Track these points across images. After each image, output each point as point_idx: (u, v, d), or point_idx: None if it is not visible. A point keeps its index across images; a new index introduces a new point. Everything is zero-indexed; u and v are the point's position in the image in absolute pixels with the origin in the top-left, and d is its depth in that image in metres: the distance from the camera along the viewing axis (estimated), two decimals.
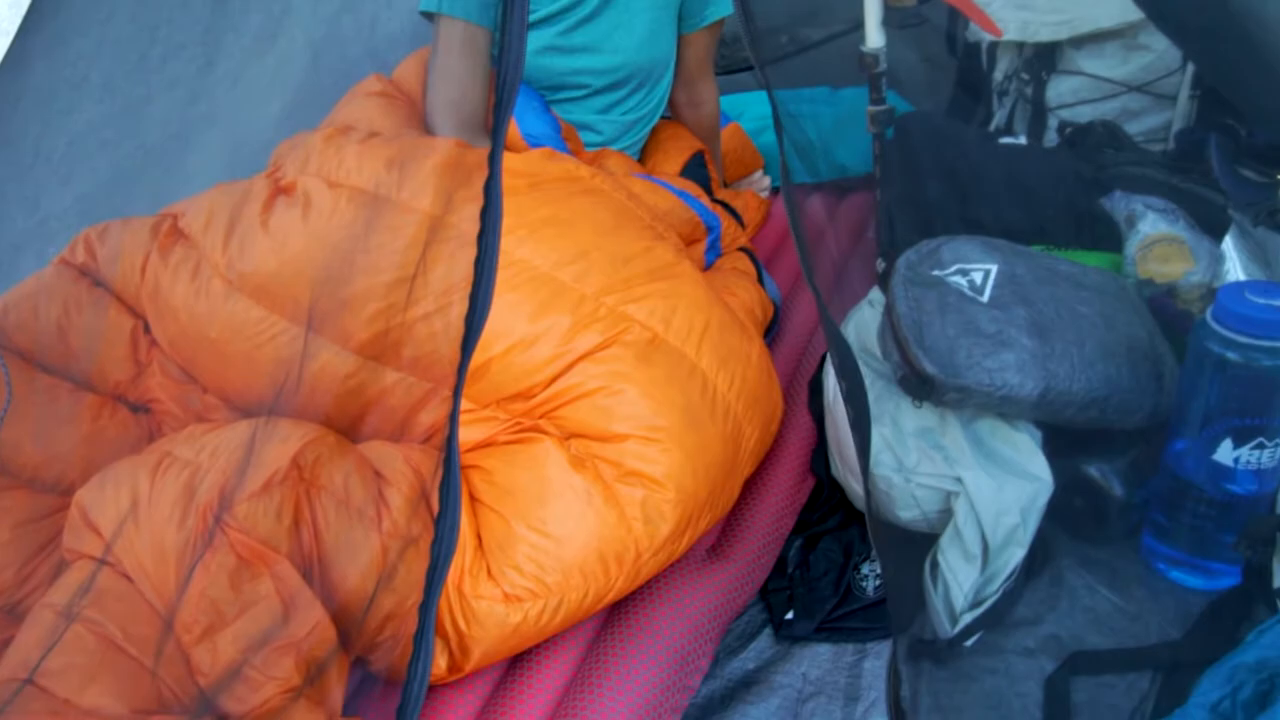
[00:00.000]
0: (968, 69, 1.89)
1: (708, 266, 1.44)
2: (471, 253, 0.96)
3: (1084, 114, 1.80)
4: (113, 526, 0.90)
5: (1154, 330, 1.15)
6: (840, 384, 0.94)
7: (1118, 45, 1.78)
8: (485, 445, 1.03)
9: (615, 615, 1.02)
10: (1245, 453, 0.96)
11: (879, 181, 1.28)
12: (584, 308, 1.02)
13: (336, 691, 0.83)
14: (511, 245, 1.02)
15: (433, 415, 1.04)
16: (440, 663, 0.93)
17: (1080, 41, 1.78)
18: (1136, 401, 1.09)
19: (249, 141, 1.47)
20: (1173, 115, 1.81)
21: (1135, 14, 1.74)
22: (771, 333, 1.42)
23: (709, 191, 1.61)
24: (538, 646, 0.97)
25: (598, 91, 1.54)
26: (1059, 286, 1.13)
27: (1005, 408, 1.07)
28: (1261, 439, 0.95)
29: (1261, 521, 0.95)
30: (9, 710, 0.74)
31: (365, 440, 1.03)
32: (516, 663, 0.98)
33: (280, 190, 1.14)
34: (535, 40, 1.50)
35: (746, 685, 1.06)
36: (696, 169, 1.61)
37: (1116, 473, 1.11)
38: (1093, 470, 1.12)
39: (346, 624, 0.87)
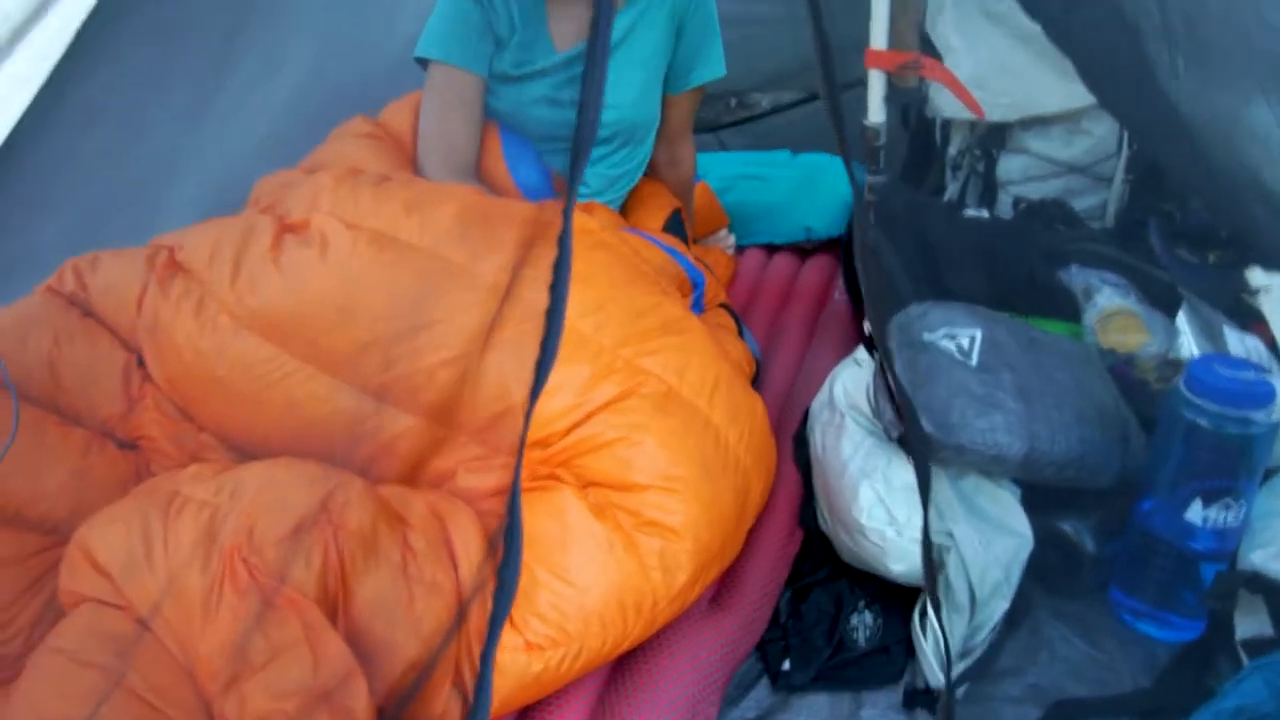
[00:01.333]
0: (922, 142, 2.00)
1: None
2: (493, 303, 0.98)
3: (1031, 190, 1.93)
4: (121, 568, 0.86)
5: (1118, 396, 1.24)
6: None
7: (1062, 129, 1.92)
8: (499, 492, 1.03)
9: (626, 663, 1.03)
10: (1213, 512, 1.05)
11: (870, 247, 1.34)
12: (602, 359, 1.04)
13: None
14: (533, 294, 1.04)
15: (446, 461, 1.04)
16: (454, 711, 0.92)
17: (1029, 123, 1.91)
18: (1106, 462, 1.17)
19: (229, 176, 1.45)
20: (1109, 196, 1.96)
21: (1079, 101, 1.89)
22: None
23: (687, 246, 1.66)
24: (551, 694, 0.97)
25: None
26: (1037, 353, 1.21)
27: (993, 466, 1.14)
28: (1228, 499, 1.04)
29: (1227, 578, 1.03)
30: None
31: (375, 482, 1.03)
32: (528, 711, 0.98)
33: (287, 228, 1.13)
34: (531, 92, 1.53)
35: None
36: (676, 226, 1.66)
37: (1088, 529, 1.18)
38: (1066, 527, 1.19)
39: (369, 668, 0.85)
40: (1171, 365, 1.29)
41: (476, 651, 0.91)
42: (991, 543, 1.12)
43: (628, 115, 1.56)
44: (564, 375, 1.02)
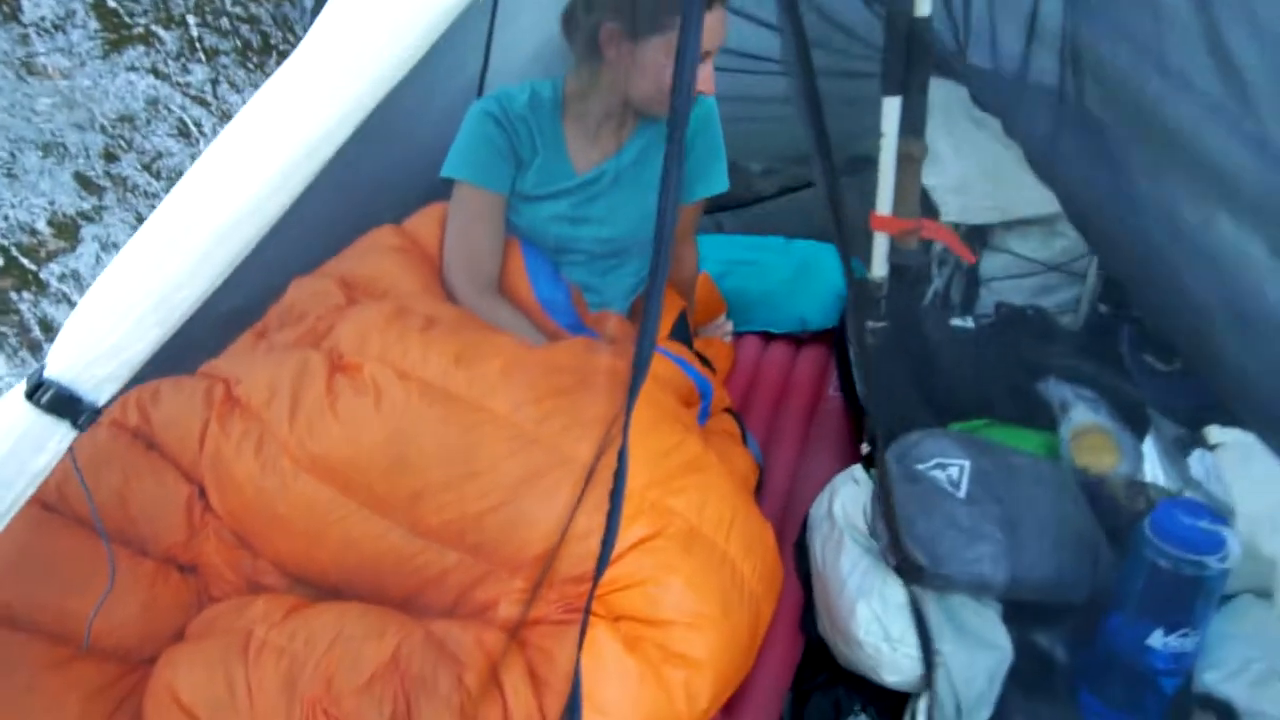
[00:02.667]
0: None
1: (700, 427, 1.60)
2: (536, 452, 1.09)
3: (1010, 286, 2.07)
4: (207, 710, 0.96)
5: (1090, 518, 1.37)
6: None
7: (1041, 230, 2.06)
8: (534, 623, 1.13)
9: None
10: (1172, 640, 1.17)
11: (866, 376, 1.46)
12: (632, 502, 1.15)
13: None
14: (569, 444, 1.15)
15: (488, 593, 1.14)
16: None
17: (1010, 225, 2.05)
18: (1079, 582, 1.29)
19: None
20: (1082, 291, 2.11)
21: (1055, 206, 2.03)
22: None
23: (691, 347, 1.77)
24: None
25: (599, 257, 1.69)
26: (1021, 483, 1.33)
27: (979, 593, 1.26)
28: (1186, 629, 1.17)
29: (1183, 699, 1.16)
30: None
31: (420, 610, 1.13)
32: None
33: (340, 368, 1.23)
34: (549, 210, 1.64)
35: None
36: (681, 328, 1.77)
37: (1060, 640, 1.31)
38: (1041, 639, 1.31)
39: None
40: (1139, 486, 1.42)
41: None
42: (975, 657, 1.25)
43: (631, 232, 1.67)
44: (599, 520, 1.13)
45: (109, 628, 1.09)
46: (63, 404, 0.65)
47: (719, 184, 1.75)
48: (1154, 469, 1.41)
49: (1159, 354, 1.88)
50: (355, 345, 1.25)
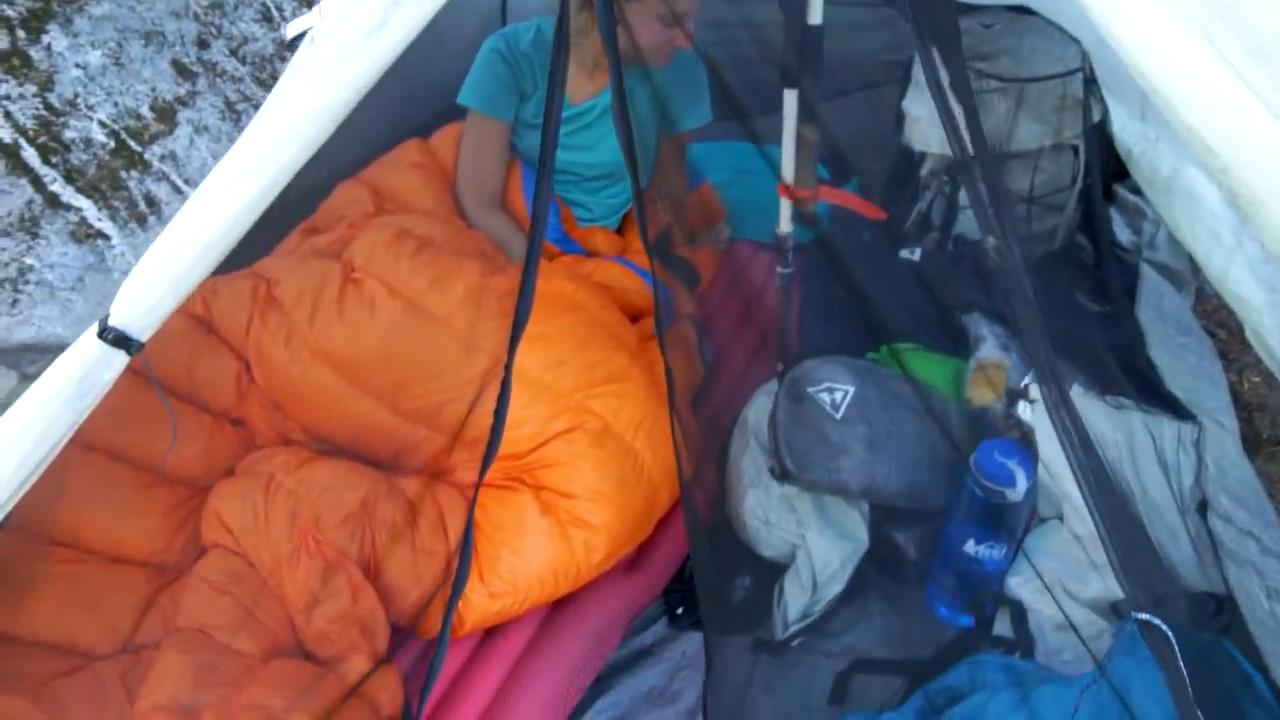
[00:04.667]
0: (904, 164, 2.30)
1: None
2: (481, 358, 1.43)
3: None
4: (239, 529, 1.38)
5: (959, 441, 1.63)
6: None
7: (1022, 164, 2.19)
8: (484, 486, 1.51)
9: (560, 604, 1.53)
10: (982, 549, 1.47)
11: (783, 302, 1.72)
12: (559, 401, 1.48)
13: (381, 645, 1.34)
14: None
15: (450, 459, 1.52)
16: (435, 627, 1.44)
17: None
18: (933, 496, 1.58)
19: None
20: (1059, 221, 2.26)
21: (1037, 142, 2.15)
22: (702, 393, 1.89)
23: (670, 254, 2.04)
24: (506, 622, 1.49)
25: (588, 179, 1.95)
26: (895, 410, 1.60)
27: (838, 494, 1.57)
28: (991, 542, 1.46)
29: (979, 593, 1.47)
30: (191, 649, 1.24)
31: (399, 470, 1.52)
32: (491, 631, 1.49)
33: (349, 280, 1.58)
34: None
35: (644, 655, 1.59)
36: (662, 240, 2.04)
37: (912, 540, 1.61)
38: (898, 536, 1.62)
39: (388, 604, 1.37)
40: (1014, 419, 1.66)
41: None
42: (833, 544, 1.57)
43: (619, 158, 1.91)
44: (530, 412, 1.47)
45: (179, 463, 1.51)
46: (120, 341, 1.01)
47: (703, 117, 1.97)
48: (1023, 408, 1.65)
49: (1093, 296, 2.07)
50: (363, 260, 1.59)
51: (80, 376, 1.03)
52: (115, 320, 1.01)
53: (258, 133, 1.01)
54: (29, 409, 1.03)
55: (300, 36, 1.10)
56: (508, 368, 1.26)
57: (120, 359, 1.03)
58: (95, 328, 1.02)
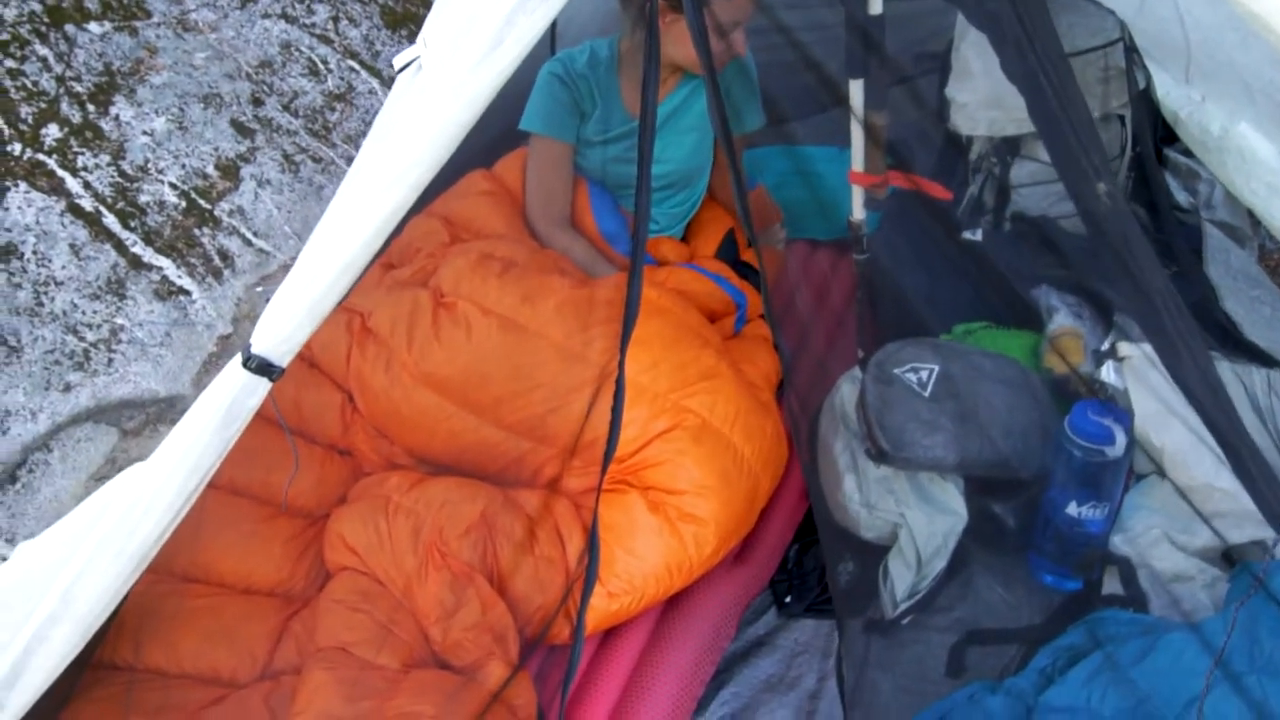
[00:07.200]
0: (953, 148, 2.33)
1: (736, 333, 1.94)
2: (580, 368, 1.48)
3: (1040, 191, 2.26)
4: (364, 549, 1.44)
5: (1047, 410, 1.65)
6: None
7: None
8: (589, 490, 1.55)
9: (674, 601, 1.56)
10: (1085, 510, 1.48)
11: (861, 288, 1.76)
12: (657, 403, 1.53)
13: (514, 652, 1.38)
14: (607, 361, 1.52)
15: (553, 469, 1.57)
16: (564, 632, 1.48)
17: (1038, 135, 2.22)
18: (1026, 464, 1.60)
19: None
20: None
21: None
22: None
23: (738, 260, 2.09)
24: (623, 623, 1.52)
25: (653, 190, 2.01)
26: (981, 384, 1.63)
27: (935, 470, 1.59)
28: (1094, 502, 1.47)
29: (1086, 555, 1.48)
30: (335, 666, 1.29)
31: (505, 483, 1.57)
32: (610, 633, 1.53)
33: (440, 305, 1.64)
34: (611, 152, 1.96)
35: (759, 645, 1.62)
36: (728, 245, 2.09)
37: (1010, 511, 1.63)
38: (996, 508, 1.64)
39: (514, 612, 1.41)
40: (1098, 383, 1.68)
41: (577, 599, 1.46)
42: (934, 520, 1.60)
43: (681, 167, 1.98)
44: (630, 415, 1.51)
45: (296, 494, 1.58)
46: (263, 368, 1.07)
47: (755, 121, 2.02)
48: (1108, 370, 1.67)
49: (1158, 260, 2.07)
50: (451, 286, 1.65)
51: (227, 405, 1.09)
52: (258, 349, 1.07)
53: (376, 158, 1.07)
54: (182, 441, 1.10)
55: (405, 67, 1.17)
56: (620, 371, 1.31)
57: (263, 386, 1.09)
58: (239, 357, 1.08)
